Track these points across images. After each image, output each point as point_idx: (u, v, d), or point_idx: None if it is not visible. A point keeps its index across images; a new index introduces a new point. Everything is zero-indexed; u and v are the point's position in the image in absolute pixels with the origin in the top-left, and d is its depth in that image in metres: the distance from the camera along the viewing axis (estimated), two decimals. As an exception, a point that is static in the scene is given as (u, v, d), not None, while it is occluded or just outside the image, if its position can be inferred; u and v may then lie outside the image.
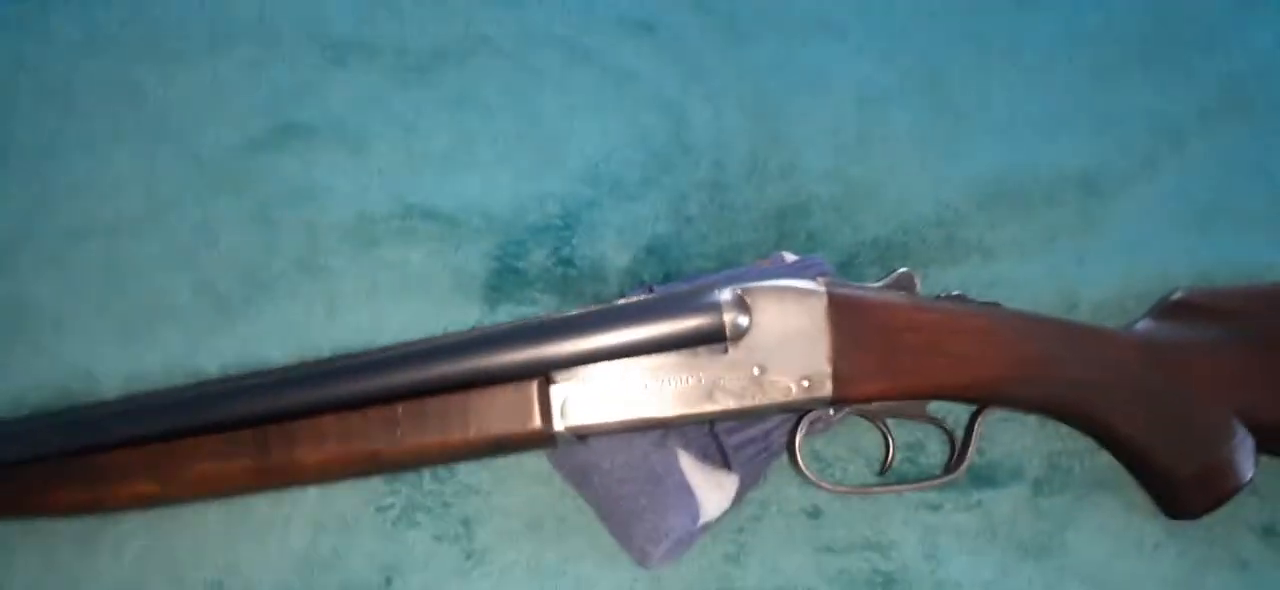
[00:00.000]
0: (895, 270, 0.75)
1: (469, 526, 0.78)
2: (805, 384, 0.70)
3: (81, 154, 0.87)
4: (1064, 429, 0.78)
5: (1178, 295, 0.78)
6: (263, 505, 0.78)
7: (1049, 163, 0.90)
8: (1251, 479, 0.73)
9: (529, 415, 0.70)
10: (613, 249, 0.87)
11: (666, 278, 0.86)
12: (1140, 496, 0.77)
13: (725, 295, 0.70)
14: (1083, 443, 0.78)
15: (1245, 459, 0.73)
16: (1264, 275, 0.84)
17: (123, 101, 0.90)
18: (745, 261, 0.87)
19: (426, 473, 0.79)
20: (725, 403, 0.70)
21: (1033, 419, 0.80)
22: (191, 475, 0.70)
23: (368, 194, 0.87)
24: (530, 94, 0.92)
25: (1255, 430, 0.74)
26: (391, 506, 0.79)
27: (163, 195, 0.87)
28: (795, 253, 0.85)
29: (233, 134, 0.89)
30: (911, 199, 0.89)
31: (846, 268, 0.86)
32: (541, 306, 0.85)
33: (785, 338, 0.70)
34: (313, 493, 0.78)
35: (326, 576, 0.77)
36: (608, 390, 0.70)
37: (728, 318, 0.69)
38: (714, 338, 0.70)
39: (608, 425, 0.71)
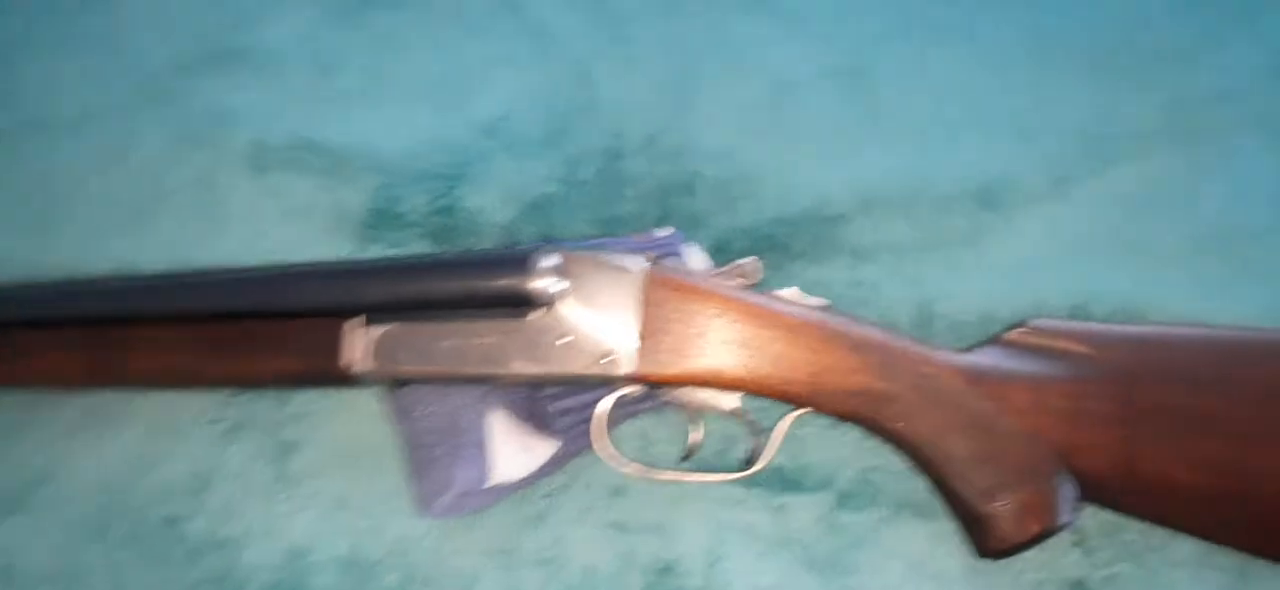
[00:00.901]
0: (745, 260, 0.73)
1: (288, 451, 0.79)
2: (607, 359, 0.69)
3: (30, 56, 0.94)
4: (889, 446, 0.73)
5: (1026, 324, 0.72)
6: (114, 403, 0.80)
7: (951, 171, 0.86)
8: (1066, 524, 0.68)
9: (331, 353, 0.71)
10: (496, 204, 0.87)
11: (545, 238, 0.86)
12: (949, 529, 0.72)
13: (542, 260, 0.69)
14: (901, 465, 0.73)
15: (1062, 502, 0.68)
16: (1154, 317, 0.79)
17: (77, 10, 0.96)
18: (626, 232, 0.86)
19: (268, 393, 0.81)
20: (525, 368, 0.69)
21: (857, 430, 0.76)
22: (32, 366, 0.75)
23: (272, 123, 0.90)
24: (453, 42, 0.94)
25: (1078, 475, 0.68)
26: (222, 420, 0.80)
27: (96, 103, 0.92)
28: (675, 229, 0.84)
29: (169, 53, 0.94)
30: (795, 191, 0.86)
31: (717, 254, 0.84)
32: (412, 251, 0.86)
33: (597, 310, 0.69)
34: (156, 398, 0.81)
35: (147, 476, 0.79)
36: (412, 339, 0.70)
37: (538, 283, 0.69)
38: (522, 301, 0.69)
39: (410, 373, 0.71)
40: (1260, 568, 0.70)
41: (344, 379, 0.71)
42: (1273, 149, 0.85)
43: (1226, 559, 0.71)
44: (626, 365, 0.69)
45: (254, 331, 0.72)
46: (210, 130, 0.90)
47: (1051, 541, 0.69)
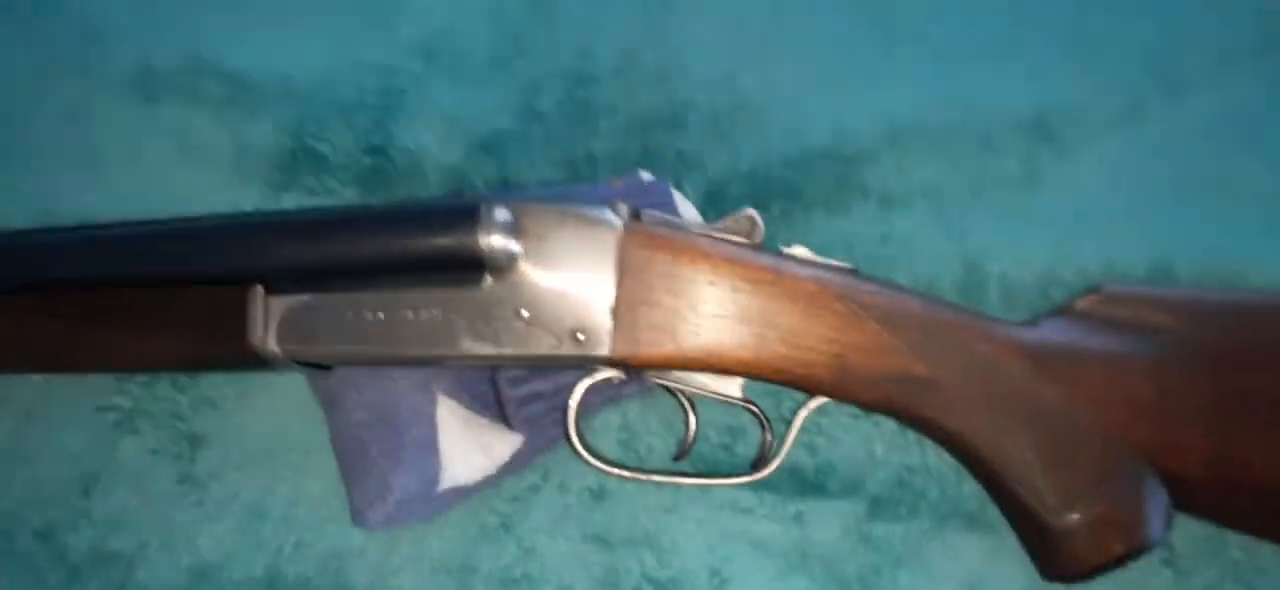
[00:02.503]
0: (743, 210, 0.61)
1: (195, 445, 0.70)
2: (579, 337, 0.58)
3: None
4: (932, 442, 0.62)
5: (1099, 291, 0.62)
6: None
7: (995, 98, 0.75)
8: (1159, 541, 0.58)
9: (236, 330, 0.59)
10: (438, 141, 0.75)
11: (502, 185, 0.75)
12: (1009, 544, 0.62)
13: (491, 213, 0.56)
14: (948, 462, 0.63)
15: (1152, 513, 0.58)
16: (1241, 278, 0.68)
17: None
18: (600, 177, 0.75)
19: (165, 377, 0.71)
20: (476, 348, 0.58)
21: (893, 421, 0.65)
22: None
23: (159, 41, 0.78)
24: (379, -62, 0.81)
25: (1169, 479, 0.58)
26: (112, 409, 0.70)
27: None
28: (657, 175, 0.72)
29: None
30: (807, 124, 0.75)
31: (712, 203, 0.72)
32: (339, 201, 0.74)
33: (564, 276, 0.57)
34: (38, 380, 0.71)
35: (17, 477, 0.70)
36: (330, 314, 0.59)
37: (489, 242, 0.56)
38: (470, 265, 0.57)
39: (330, 356, 0.59)
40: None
41: (254, 361, 0.60)
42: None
43: (1352, 581, 0.62)
44: (602, 345, 0.58)
45: (139, 303, 0.61)
46: (83, 51, 0.78)
47: (1138, 562, 0.59)
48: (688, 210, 0.70)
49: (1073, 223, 0.71)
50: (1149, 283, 0.68)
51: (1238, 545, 0.64)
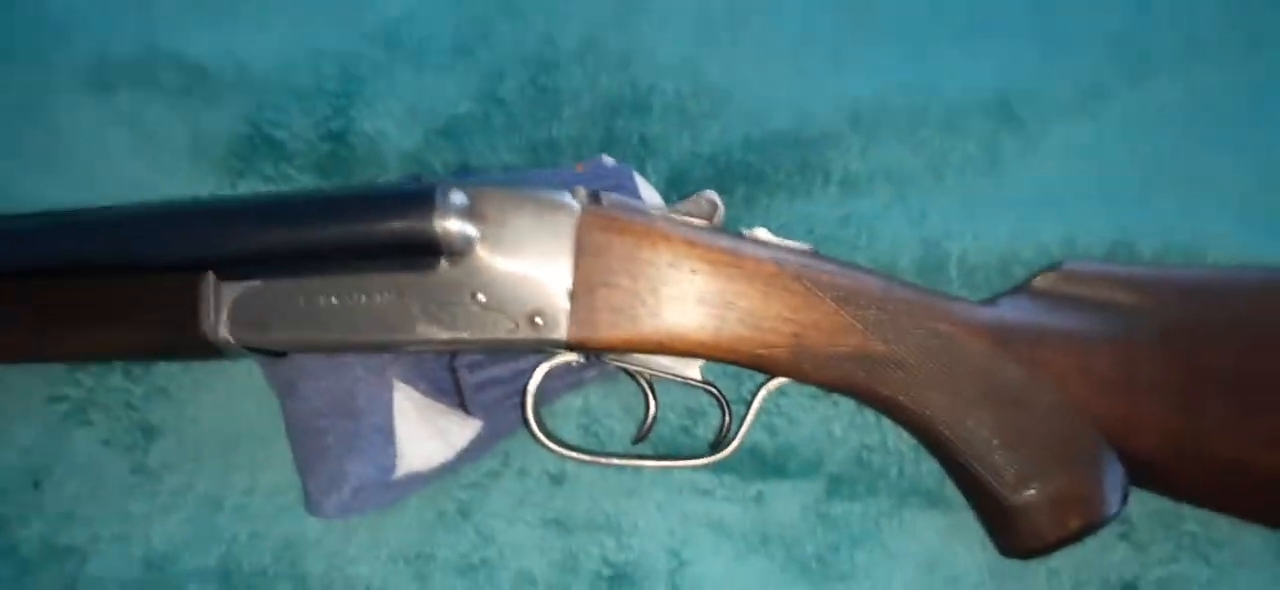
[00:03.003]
0: (703, 193, 0.60)
1: (149, 436, 0.68)
2: (537, 321, 0.57)
3: None
4: (891, 422, 0.62)
5: (1059, 268, 0.61)
6: (-78, 379, 0.69)
7: (961, 80, 0.74)
8: (1115, 515, 0.58)
9: (188, 318, 0.58)
10: (398, 127, 0.74)
11: (463, 170, 0.73)
12: (968, 521, 0.61)
13: (447, 196, 0.56)
14: (907, 442, 0.63)
15: (1110, 488, 0.58)
16: (1201, 258, 0.68)
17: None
18: (563, 162, 0.74)
19: (117, 367, 0.69)
20: (432, 333, 0.57)
21: (852, 402, 0.64)
22: None
23: (115, 30, 0.76)
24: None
25: (1127, 455, 0.58)
26: (64, 399, 0.69)
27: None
28: (621, 160, 0.71)
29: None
30: (772, 107, 0.74)
31: (674, 186, 0.72)
32: (296, 187, 0.72)
33: (520, 260, 0.57)
34: None
35: None
36: (283, 300, 0.58)
37: (444, 225, 0.55)
38: (425, 249, 0.56)
39: (284, 343, 0.58)
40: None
41: (208, 350, 0.59)
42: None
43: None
44: (559, 328, 0.57)
45: (89, 292, 0.60)
46: (38, 40, 0.76)
47: (1094, 537, 0.59)
48: (650, 194, 0.68)
49: (1033, 204, 0.70)
50: (1111, 261, 0.67)
51: (1194, 518, 0.64)
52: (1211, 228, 0.69)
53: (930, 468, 0.63)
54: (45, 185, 0.73)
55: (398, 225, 0.56)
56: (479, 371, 0.63)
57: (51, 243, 0.60)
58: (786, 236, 0.60)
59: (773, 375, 0.59)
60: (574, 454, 0.62)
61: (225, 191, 0.72)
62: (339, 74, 0.74)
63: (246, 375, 0.68)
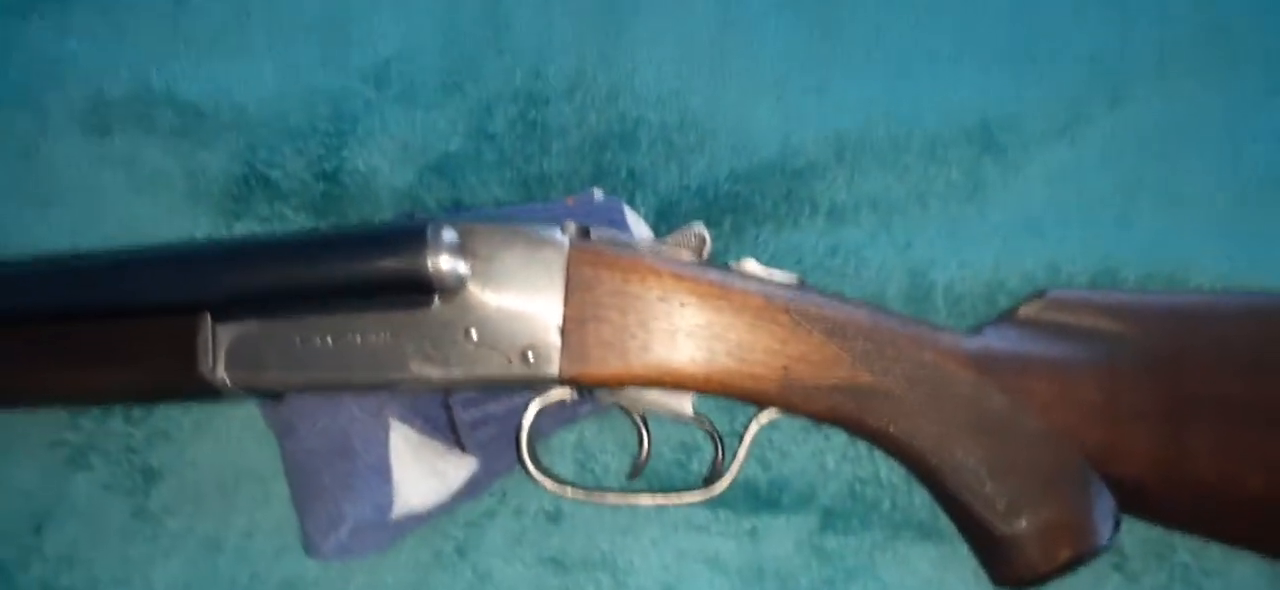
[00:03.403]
0: (691, 226, 0.60)
1: (149, 479, 0.68)
2: (529, 357, 0.57)
3: None
4: (883, 453, 0.61)
5: (1044, 296, 0.61)
6: (-78, 423, 0.68)
7: (942, 108, 0.73)
8: (1107, 545, 0.57)
9: (186, 360, 0.58)
10: (391, 165, 0.74)
11: (455, 206, 0.73)
12: (961, 552, 0.61)
13: (438, 234, 0.56)
14: (899, 473, 0.63)
15: (1100, 518, 0.57)
16: (1185, 280, 0.67)
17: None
18: (553, 196, 0.74)
19: (118, 411, 0.69)
20: (426, 371, 0.57)
21: (844, 434, 0.63)
22: None
23: (112, 72, 0.76)
24: (329, -29, 0.79)
25: (1117, 484, 0.57)
26: (65, 443, 0.69)
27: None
28: (610, 193, 0.71)
29: (-14, -9, 0.78)
30: (757, 140, 0.73)
31: (663, 218, 0.71)
32: (292, 227, 0.73)
33: (511, 297, 0.57)
34: None
35: None
36: (277, 341, 0.58)
37: (437, 263, 0.55)
38: (416, 288, 0.56)
39: (279, 384, 0.59)
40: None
41: (206, 392, 0.60)
42: (1327, 77, 0.74)
43: (1301, 581, 0.62)
44: (551, 364, 0.58)
45: (86, 335, 0.60)
46: (35, 84, 0.76)
47: (1088, 568, 0.58)
48: (640, 227, 0.68)
49: (1017, 231, 0.69)
50: (1093, 288, 0.67)
51: (1185, 548, 0.63)
52: (1193, 248, 0.68)
53: (923, 499, 0.63)
54: (41, 228, 0.73)
55: (390, 264, 0.56)
56: (473, 409, 0.63)
57: (48, 287, 0.60)
58: (775, 267, 0.59)
59: (764, 407, 0.59)
60: (568, 490, 0.61)
61: (221, 232, 0.72)
62: (331, 113, 0.75)
63: (246, 418, 0.68)
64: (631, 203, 0.71)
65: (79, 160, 0.74)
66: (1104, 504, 0.57)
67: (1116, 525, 0.58)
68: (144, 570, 0.66)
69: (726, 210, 0.71)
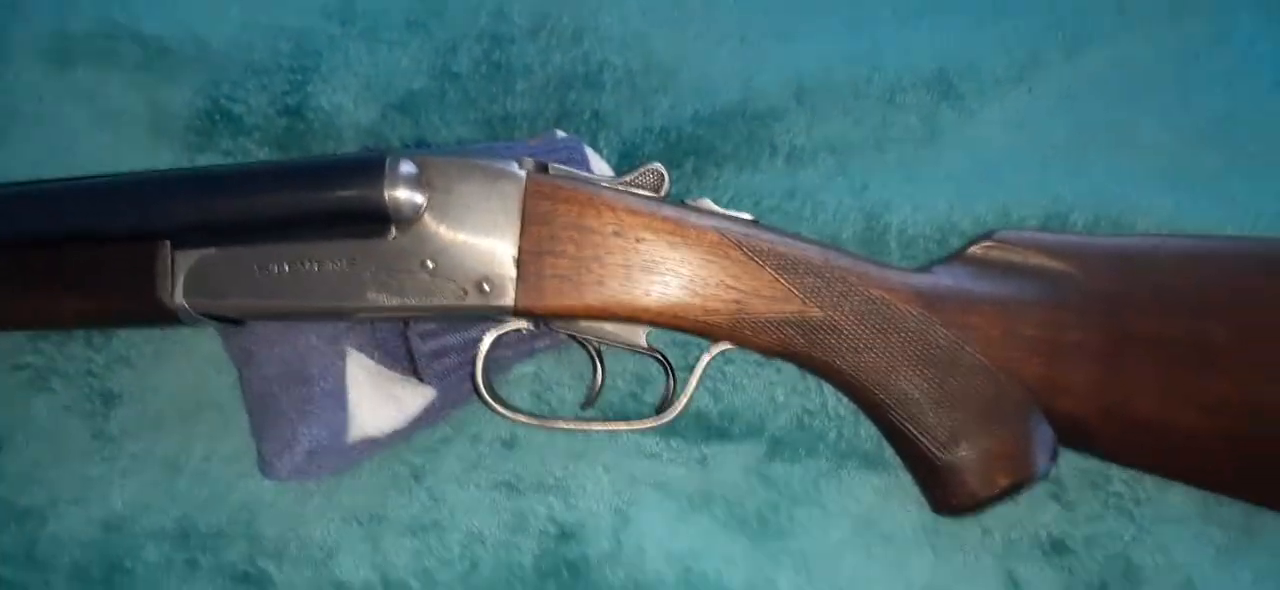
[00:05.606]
0: (650, 164, 0.61)
1: (109, 403, 0.69)
2: (484, 288, 0.58)
3: None
4: (830, 386, 0.63)
5: (992, 237, 0.62)
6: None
7: (901, 55, 0.74)
8: (1044, 474, 0.59)
9: (146, 286, 0.59)
10: (354, 102, 0.74)
11: (418, 145, 0.74)
12: (903, 482, 0.63)
13: (397, 166, 0.56)
14: (846, 406, 0.64)
15: (1038, 448, 0.59)
16: (1131, 225, 0.68)
17: None
18: (516, 136, 0.74)
19: (79, 334, 0.69)
20: (382, 300, 0.58)
21: (793, 367, 0.65)
22: None
23: (73, 5, 0.76)
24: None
25: (1056, 417, 0.59)
26: (25, 367, 0.69)
27: None
28: (573, 134, 0.72)
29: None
30: (719, 83, 0.74)
31: (625, 160, 0.72)
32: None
33: (468, 228, 0.58)
34: None
35: None
36: (236, 268, 0.59)
37: (393, 194, 0.56)
38: (374, 217, 0.57)
39: (238, 310, 0.60)
40: (1270, 521, 0.62)
41: (165, 317, 0.60)
42: (1274, 25, 0.74)
43: (1230, 512, 0.64)
44: (506, 295, 0.58)
45: (47, 261, 0.60)
46: None
47: (1024, 495, 0.61)
48: (600, 166, 0.69)
49: (971, 175, 0.70)
50: (1043, 230, 0.67)
51: (1120, 479, 0.65)
52: (1141, 193, 0.69)
53: (869, 431, 0.64)
54: (3, 159, 0.72)
55: (347, 194, 0.57)
56: (432, 340, 0.64)
57: (9, 213, 0.60)
58: (734, 208, 0.60)
59: (715, 341, 0.60)
60: (522, 418, 0.62)
61: (183, 165, 0.72)
62: (295, 49, 0.75)
63: (208, 350, 0.68)
64: (595, 144, 0.72)
65: (42, 93, 0.74)
66: (1043, 435, 0.59)
67: (1054, 456, 0.59)
68: (103, 489, 0.67)
69: (688, 152, 0.72)
